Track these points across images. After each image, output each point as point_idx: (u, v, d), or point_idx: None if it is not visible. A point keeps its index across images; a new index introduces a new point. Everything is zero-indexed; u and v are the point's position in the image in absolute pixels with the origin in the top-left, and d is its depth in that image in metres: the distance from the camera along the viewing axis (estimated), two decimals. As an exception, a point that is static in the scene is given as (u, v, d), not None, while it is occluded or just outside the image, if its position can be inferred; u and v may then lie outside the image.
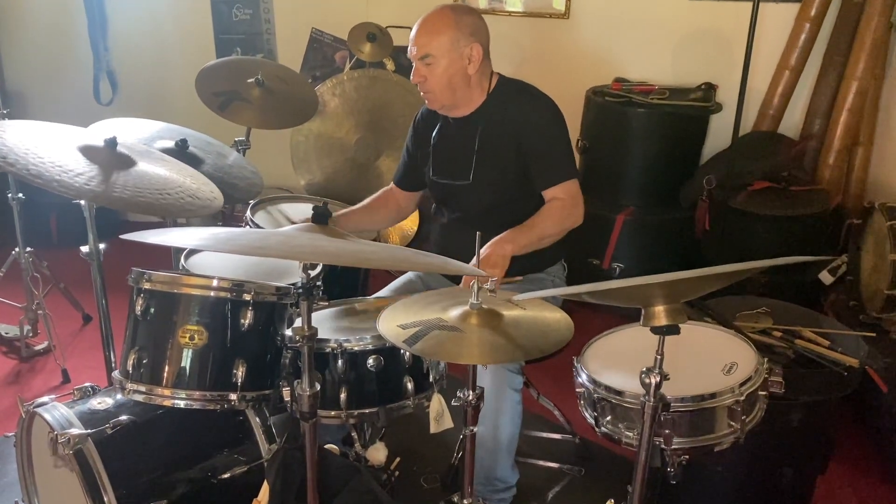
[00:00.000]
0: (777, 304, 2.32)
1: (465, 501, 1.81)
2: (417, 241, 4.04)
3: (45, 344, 3.16)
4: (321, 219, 1.99)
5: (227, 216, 3.50)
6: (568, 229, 2.26)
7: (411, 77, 2.25)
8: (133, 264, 1.76)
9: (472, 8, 2.25)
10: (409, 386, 1.88)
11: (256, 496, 1.80)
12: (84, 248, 2.14)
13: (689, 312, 2.04)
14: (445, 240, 2.44)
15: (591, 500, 2.41)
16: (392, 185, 2.60)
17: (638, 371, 1.48)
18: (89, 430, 1.70)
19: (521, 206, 2.25)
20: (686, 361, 1.73)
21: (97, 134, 2.04)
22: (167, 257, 2.53)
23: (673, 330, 1.39)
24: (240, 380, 1.70)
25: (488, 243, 2.12)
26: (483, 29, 2.24)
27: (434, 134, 2.38)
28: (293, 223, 2.43)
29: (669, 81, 3.64)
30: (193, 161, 2.44)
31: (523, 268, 2.29)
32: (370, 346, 1.84)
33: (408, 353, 1.85)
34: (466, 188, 2.30)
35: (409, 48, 2.23)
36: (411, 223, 4.08)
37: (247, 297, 1.70)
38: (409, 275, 2.46)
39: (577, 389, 1.77)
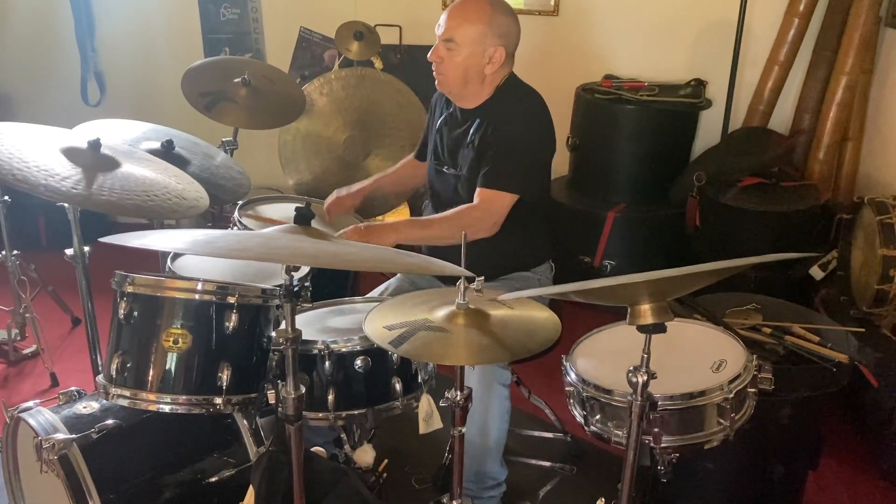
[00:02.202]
0: (767, 300, 2.31)
1: (454, 503, 1.80)
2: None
3: (34, 347, 3.14)
4: (303, 220, 1.97)
5: (217, 217, 3.48)
6: (469, 237, 2.12)
7: (429, 54, 2.23)
8: (120, 266, 1.74)
9: (509, 8, 2.25)
10: (398, 387, 1.87)
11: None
12: (69, 251, 2.13)
13: (679, 309, 2.04)
14: None
15: (582, 498, 2.41)
16: (412, 157, 2.61)
17: (626, 369, 1.47)
18: (74, 436, 1.69)
19: None
20: (675, 359, 1.72)
21: (81, 136, 2.03)
22: (155, 259, 2.52)
23: (659, 328, 1.39)
24: (225, 383, 1.68)
25: (381, 223, 2.13)
26: (514, 33, 2.22)
27: (441, 118, 2.38)
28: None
29: (659, 78, 3.63)
30: (180, 162, 2.43)
31: (509, 266, 2.29)
32: (358, 347, 1.83)
33: (396, 354, 1.84)
34: (457, 178, 2.31)
35: (437, 24, 2.21)
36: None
37: (231, 299, 1.68)
38: (400, 276, 2.44)
39: (567, 388, 1.77)
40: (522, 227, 2.25)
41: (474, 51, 2.17)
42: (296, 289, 1.53)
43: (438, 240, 2.18)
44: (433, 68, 2.26)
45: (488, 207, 2.17)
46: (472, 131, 2.25)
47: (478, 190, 2.19)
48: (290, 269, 1.50)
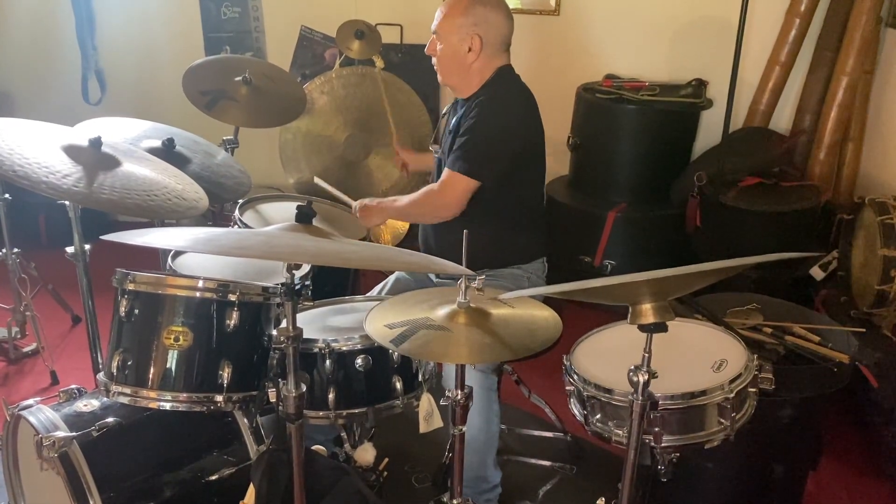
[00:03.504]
0: (768, 300, 2.31)
1: (454, 502, 1.80)
2: (409, 239, 4.02)
3: (34, 346, 3.14)
4: (304, 218, 1.98)
5: (217, 216, 3.48)
6: (429, 216, 2.36)
7: (426, 48, 2.34)
8: (120, 264, 1.74)
9: (497, 1, 2.32)
10: (398, 385, 1.87)
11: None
12: (69, 249, 2.12)
13: (679, 309, 2.04)
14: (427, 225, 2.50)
15: (582, 498, 2.41)
16: None
17: (627, 369, 1.47)
18: (74, 433, 1.68)
19: (491, 196, 2.26)
20: (676, 359, 1.72)
21: (82, 134, 2.02)
22: (156, 257, 2.52)
23: (660, 328, 1.39)
24: (226, 381, 1.67)
25: (378, 203, 2.37)
26: (495, 23, 2.27)
27: (447, 106, 2.51)
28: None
29: (660, 78, 3.63)
30: (181, 160, 2.43)
31: (493, 261, 2.30)
32: (358, 346, 1.83)
33: (396, 353, 1.84)
34: (441, 161, 2.38)
35: None
36: (402, 222, 4.06)
37: (232, 297, 1.68)
38: (399, 273, 2.45)
39: (567, 387, 1.77)
40: (508, 221, 2.29)
41: (452, 41, 2.26)
42: (297, 287, 1.53)
43: (410, 217, 2.47)
44: (432, 62, 2.35)
45: (446, 189, 2.27)
46: (459, 121, 2.32)
47: (445, 171, 2.29)
48: (291, 268, 1.50)
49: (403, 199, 2.37)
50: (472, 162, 2.22)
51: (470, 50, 2.26)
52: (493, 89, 2.30)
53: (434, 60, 2.34)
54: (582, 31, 3.83)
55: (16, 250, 3.05)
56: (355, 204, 2.43)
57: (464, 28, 2.24)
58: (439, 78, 2.37)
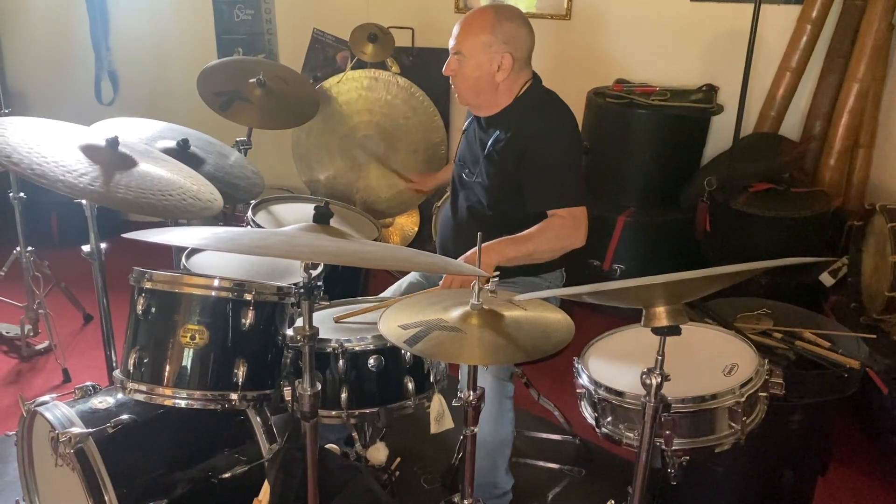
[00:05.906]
0: (778, 305, 2.32)
1: (465, 502, 1.81)
2: (419, 242, 4.04)
3: (46, 343, 3.17)
4: (322, 219, 1.99)
5: (229, 216, 3.50)
6: (564, 250, 2.21)
7: (444, 68, 2.26)
8: (133, 264, 1.76)
9: (517, 14, 2.24)
10: (410, 386, 1.88)
11: (257, 496, 1.80)
12: (85, 248, 2.14)
13: (690, 313, 2.05)
14: (444, 230, 2.48)
15: (591, 501, 2.42)
16: None
17: (639, 372, 1.48)
18: (90, 430, 1.70)
19: (517, 216, 2.24)
20: (687, 362, 1.73)
21: (99, 133, 2.04)
22: (168, 257, 2.53)
23: (674, 331, 1.39)
24: (241, 379, 1.69)
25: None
26: (522, 38, 2.21)
27: (467, 121, 2.44)
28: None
29: (670, 83, 3.64)
30: (195, 161, 2.45)
31: (520, 270, 2.30)
32: (371, 346, 1.84)
33: (408, 353, 1.85)
34: (473, 184, 2.33)
35: (451, 37, 2.25)
36: (412, 223, 4.08)
37: (248, 296, 1.70)
38: (412, 276, 2.46)
39: (578, 390, 1.77)
40: None
41: (481, 60, 2.18)
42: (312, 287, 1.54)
43: (538, 255, 2.17)
44: (451, 82, 2.28)
45: (575, 225, 2.17)
46: (490, 143, 2.26)
47: (554, 211, 2.17)
48: (308, 267, 1.51)
49: (523, 237, 2.15)
50: (571, 190, 2.17)
51: (500, 69, 2.18)
52: (532, 110, 2.22)
53: (452, 80, 2.26)
54: (593, 35, 3.84)
55: (30, 248, 3.08)
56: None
57: (493, 46, 2.16)
58: (461, 99, 2.29)
